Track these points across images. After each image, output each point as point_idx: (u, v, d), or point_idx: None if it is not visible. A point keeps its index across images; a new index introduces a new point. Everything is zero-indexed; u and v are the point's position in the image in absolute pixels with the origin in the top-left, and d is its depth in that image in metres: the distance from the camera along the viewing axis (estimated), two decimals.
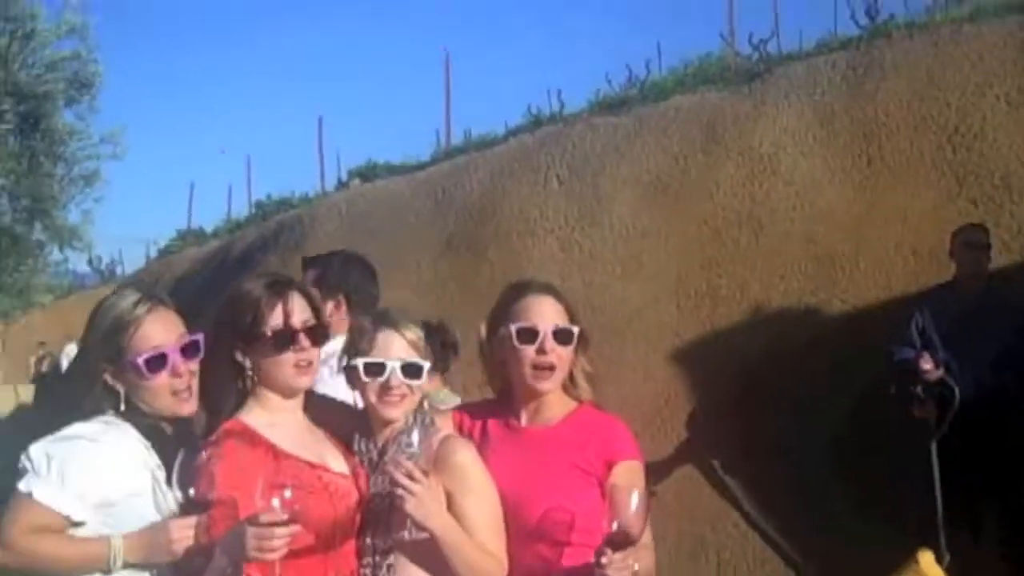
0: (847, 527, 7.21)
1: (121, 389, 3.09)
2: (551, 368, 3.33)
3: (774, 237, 8.42)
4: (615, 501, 2.95)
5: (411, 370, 3.22)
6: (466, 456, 3.19)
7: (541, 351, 3.31)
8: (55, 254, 13.26)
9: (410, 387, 3.21)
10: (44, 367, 20.17)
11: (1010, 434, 6.38)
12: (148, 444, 3.07)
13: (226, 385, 3.19)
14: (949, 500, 6.67)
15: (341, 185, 14.40)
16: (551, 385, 3.36)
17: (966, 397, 6.56)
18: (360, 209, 11.69)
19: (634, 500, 2.93)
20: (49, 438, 2.99)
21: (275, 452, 3.07)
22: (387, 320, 3.30)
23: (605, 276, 8.96)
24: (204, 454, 3.04)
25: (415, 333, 3.28)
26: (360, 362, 3.22)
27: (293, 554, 2.83)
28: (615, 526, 2.91)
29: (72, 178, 12.26)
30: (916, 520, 6.71)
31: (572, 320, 3.40)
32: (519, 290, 3.46)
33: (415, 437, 3.06)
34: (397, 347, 3.23)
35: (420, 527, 3.01)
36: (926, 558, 6.39)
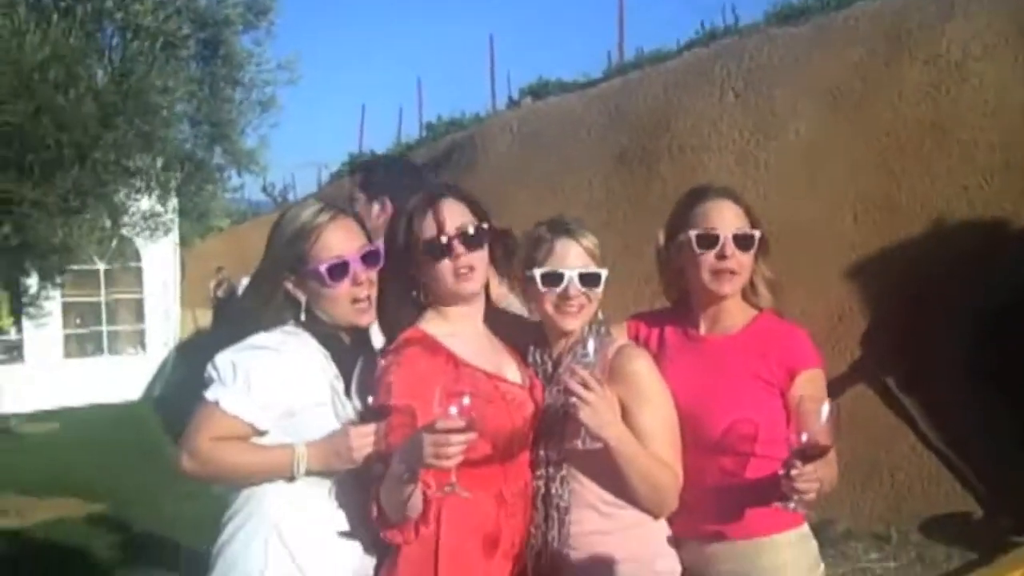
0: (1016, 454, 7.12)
1: (302, 298, 3.11)
2: (732, 273, 3.28)
3: (959, 146, 8.21)
4: (804, 412, 2.91)
5: (589, 279, 3.18)
6: (642, 365, 3.16)
7: (721, 256, 3.27)
8: (233, 179, 13.74)
9: (588, 296, 3.17)
10: (221, 292, 20.94)
11: None
12: (327, 354, 3.11)
13: (403, 296, 3.19)
14: None
15: (512, 104, 14.55)
16: (731, 289, 3.31)
17: None
18: (532, 127, 11.83)
19: (824, 411, 2.89)
20: (234, 347, 3.03)
21: (455, 361, 3.07)
22: (563, 228, 3.24)
23: (781, 191, 8.88)
24: (383, 362, 3.06)
25: (591, 241, 3.23)
26: (537, 272, 3.17)
27: (470, 463, 2.83)
28: (805, 438, 2.87)
29: (250, 103, 12.61)
30: None
31: (753, 224, 3.34)
32: (698, 196, 3.40)
33: (591, 347, 3.01)
34: (574, 255, 3.18)
35: (594, 436, 2.98)
36: None
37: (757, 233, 3.33)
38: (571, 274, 3.15)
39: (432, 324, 3.16)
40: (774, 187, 8.94)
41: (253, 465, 3.01)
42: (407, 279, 3.19)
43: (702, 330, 3.36)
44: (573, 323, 3.18)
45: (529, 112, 12.53)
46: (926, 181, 8.28)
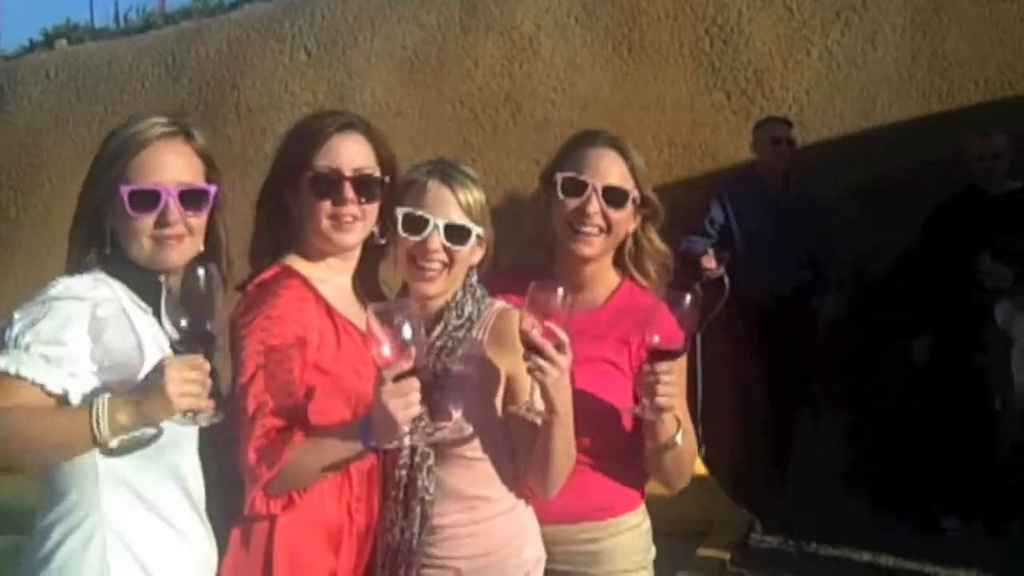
0: None
1: (108, 229, 2.73)
2: (597, 230, 3.17)
3: (532, 121, 8.89)
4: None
5: (456, 233, 2.99)
6: None
7: (583, 209, 3.13)
8: None
9: (451, 255, 2.99)
10: None
11: (793, 326, 7.24)
12: (138, 299, 2.73)
13: (271, 227, 3.02)
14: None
15: (40, 45, 13.87)
16: (591, 251, 3.18)
17: (766, 290, 7.27)
18: (72, 73, 11.39)
19: (687, 300, 2.79)
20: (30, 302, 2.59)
21: (328, 308, 2.90)
22: (442, 171, 3.06)
23: None
24: (250, 292, 2.87)
25: (473, 196, 3.04)
26: (400, 212, 2.98)
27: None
28: (656, 339, 2.78)
29: None
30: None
31: (637, 185, 3.22)
32: (581, 140, 3.29)
33: (467, 311, 2.95)
34: (447, 204, 3.00)
35: (549, 406, 2.81)
36: None
37: (635, 192, 3.19)
38: (436, 222, 2.97)
39: (297, 263, 2.98)
40: None
41: (40, 431, 2.44)
42: (279, 208, 3.00)
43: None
44: (428, 288, 3.01)
45: (67, 56, 12.02)
46: (501, 155, 8.91)
